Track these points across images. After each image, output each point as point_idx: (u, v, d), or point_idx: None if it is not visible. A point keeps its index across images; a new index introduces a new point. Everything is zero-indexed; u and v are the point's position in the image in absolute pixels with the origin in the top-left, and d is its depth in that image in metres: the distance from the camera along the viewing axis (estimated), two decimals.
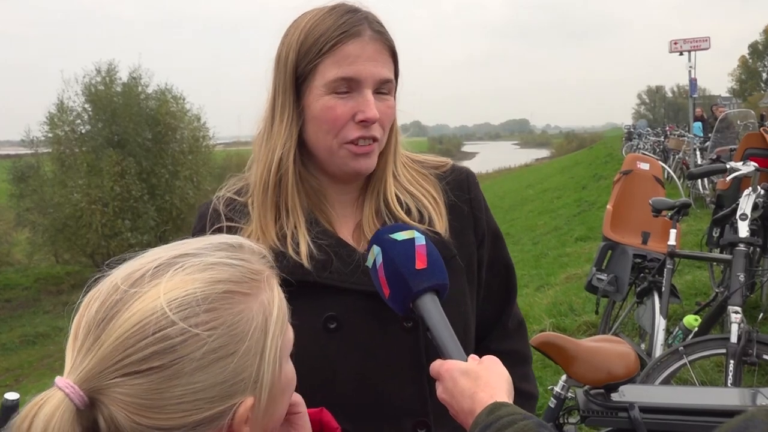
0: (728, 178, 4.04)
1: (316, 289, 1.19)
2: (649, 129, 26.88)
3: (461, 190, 1.34)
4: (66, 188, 22.73)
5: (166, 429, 0.76)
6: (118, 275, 0.80)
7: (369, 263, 1.13)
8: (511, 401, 0.95)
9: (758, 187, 3.62)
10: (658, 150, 18.93)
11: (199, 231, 1.27)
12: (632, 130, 28.03)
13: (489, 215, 1.38)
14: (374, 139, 1.20)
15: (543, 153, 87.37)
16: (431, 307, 1.06)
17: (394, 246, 1.09)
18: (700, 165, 12.42)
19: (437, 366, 1.02)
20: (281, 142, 1.21)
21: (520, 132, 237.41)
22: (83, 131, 24.23)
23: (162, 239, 24.97)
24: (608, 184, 18.09)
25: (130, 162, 23.15)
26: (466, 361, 1.01)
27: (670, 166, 14.00)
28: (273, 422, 0.88)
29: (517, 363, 1.36)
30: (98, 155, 23.10)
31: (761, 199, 3.59)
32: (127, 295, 0.77)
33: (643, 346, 4.20)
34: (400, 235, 1.11)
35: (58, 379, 0.76)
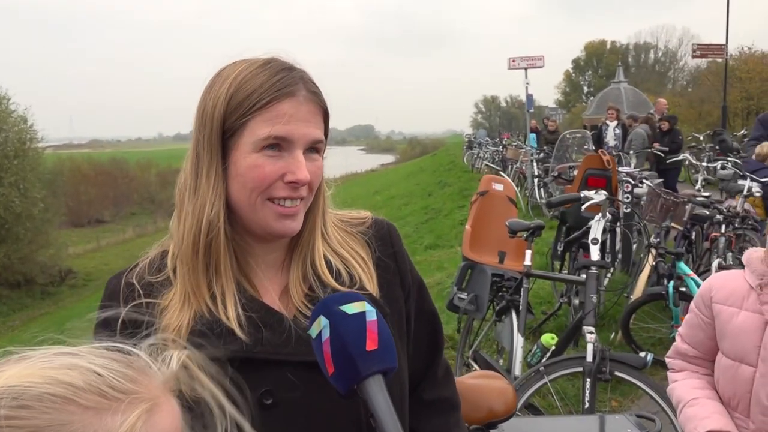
0: (584, 207, 4.31)
1: (249, 364, 1.11)
2: (488, 138, 28.40)
3: (385, 244, 1.31)
4: None
5: None
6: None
7: (313, 333, 1.02)
8: None
9: (607, 213, 3.91)
10: (497, 159, 20.02)
11: (107, 309, 1.15)
12: (473, 139, 29.51)
13: (412, 266, 1.36)
14: (301, 199, 1.15)
15: (388, 158, 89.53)
16: (377, 392, 0.98)
17: (344, 320, 1.00)
18: (537, 175, 13.39)
19: None
20: (209, 202, 1.13)
21: (366, 137, 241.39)
22: None
23: None
24: (452, 192, 18.89)
25: None
26: None
27: (508, 175, 14.87)
28: None
29: (448, 410, 1.41)
30: None
31: (609, 224, 3.88)
32: None
33: (501, 362, 4.38)
34: (351, 308, 1.02)
35: None
